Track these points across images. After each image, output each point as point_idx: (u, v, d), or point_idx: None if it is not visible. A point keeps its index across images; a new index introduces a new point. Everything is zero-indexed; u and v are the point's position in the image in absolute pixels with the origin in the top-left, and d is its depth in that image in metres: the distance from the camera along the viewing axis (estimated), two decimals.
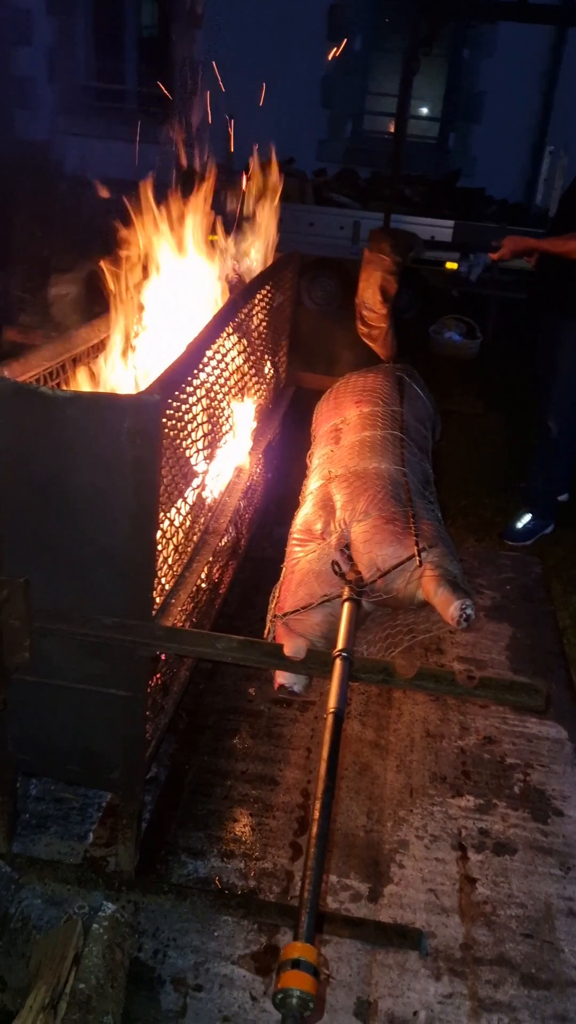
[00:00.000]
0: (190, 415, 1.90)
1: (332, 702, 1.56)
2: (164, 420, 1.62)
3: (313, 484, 2.43)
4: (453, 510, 4.06)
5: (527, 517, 3.84)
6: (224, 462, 2.41)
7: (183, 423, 1.85)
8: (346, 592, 1.96)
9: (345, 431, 2.60)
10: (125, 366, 2.28)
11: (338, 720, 1.50)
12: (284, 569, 2.18)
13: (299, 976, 1.04)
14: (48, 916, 1.94)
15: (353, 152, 10.69)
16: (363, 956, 1.92)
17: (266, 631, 2.04)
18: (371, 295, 3.25)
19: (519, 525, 3.85)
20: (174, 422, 1.77)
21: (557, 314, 3.55)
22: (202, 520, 2.20)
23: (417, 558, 1.91)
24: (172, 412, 1.73)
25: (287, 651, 1.70)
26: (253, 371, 2.70)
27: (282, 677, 1.88)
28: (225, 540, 2.34)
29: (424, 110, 11.26)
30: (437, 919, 2.02)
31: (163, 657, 1.98)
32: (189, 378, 1.86)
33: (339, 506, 2.18)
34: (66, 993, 1.65)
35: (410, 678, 1.66)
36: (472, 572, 3.57)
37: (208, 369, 2.06)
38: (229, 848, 2.17)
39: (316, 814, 1.29)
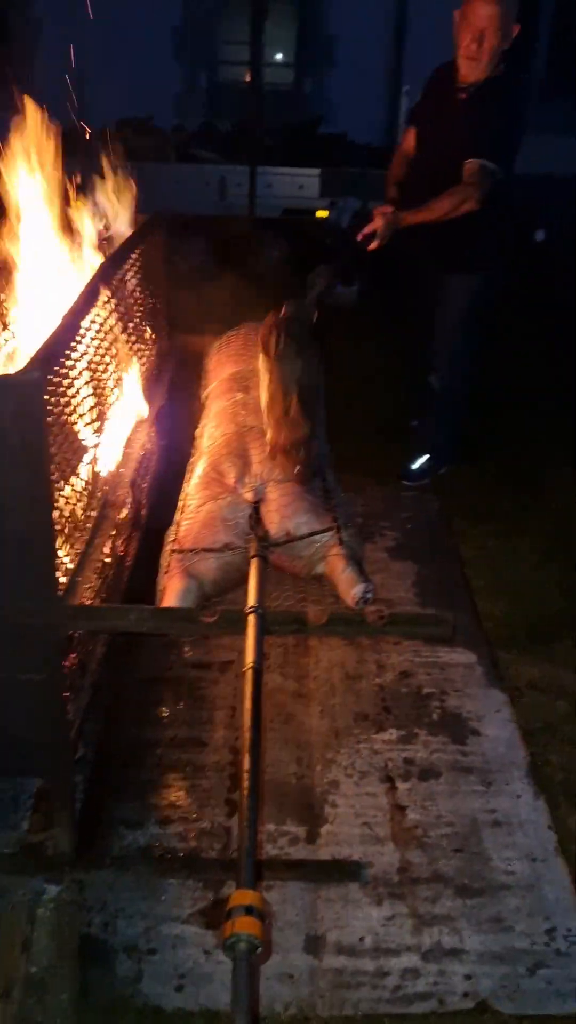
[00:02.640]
0: (74, 389, 1.87)
1: (249, 658, 1.59)
2: (47, 397, 1.59)
3: (222, 428, 2.42)
4: (351, 456, 4.12)
5: (423, 458, 3.93)
6: (115, 433, 2.37)
7: (68, 398, 1.82)
8: (254, 548, 1.99)
9: (255, 382, 2.60)
10: None
11: (257, 675, 1.53)
12: (183, 504, 2.19)
13: (244, 921, 1.07)
14: None
15: (211, 104, 10.49)
16: (307, 895, 1.99)
17: (163, 565, 2.03)
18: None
19: (415, 466, 3.94)
20: (58, 398, 1.73)
21: (440, 269, 3.59)
22: (99, 494, 2.17)
23: (337, 535, 1.96)
24: (55, 388, 1.69)
25: (175, 591, 1.73)
26: (134, 337, 2.66)
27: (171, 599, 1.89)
28: (125, 512, 2.32)
29: (279, 56, 11.12)
30: (373, 849, 2.11)
31: (76, 636, 1.96)
32: (68, 351, 1.81)
33: (255, 460, 2.20)
34: (19, 980, 1.66)
35: (322, 624, 1.71)
36: (375, 515, 3.65)
37: (88, 339, 2.02)
38: (165, 814, 2.19)
39: (245, 766, 1.33)
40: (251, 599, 1.75)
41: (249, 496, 2.14)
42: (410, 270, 3.79)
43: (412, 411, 4.13)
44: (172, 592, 1.93)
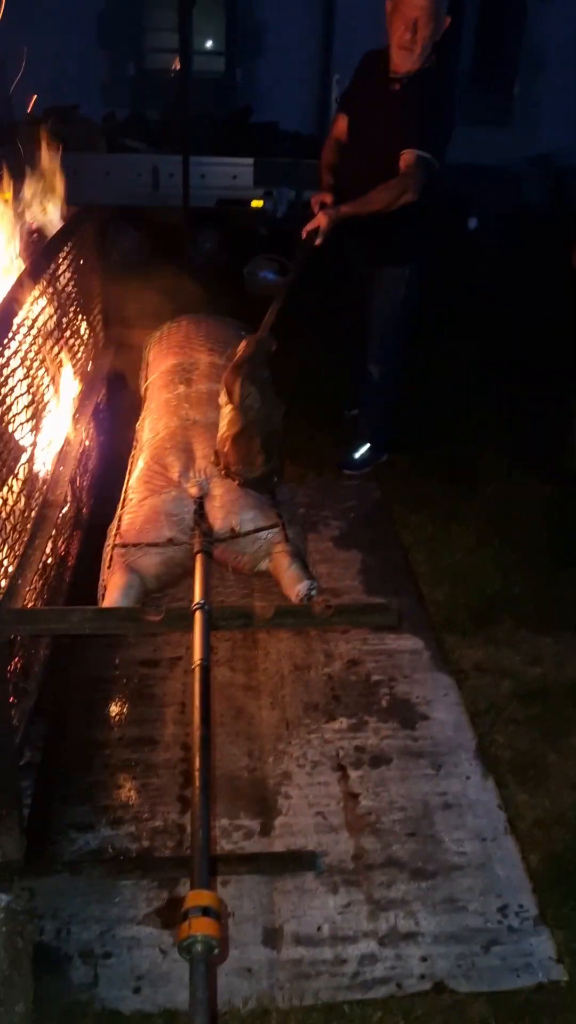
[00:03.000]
0: (6, 388, 1.82)
1: (197, 655, 1.58)
2: None
3: (164, 421, 2.38)
4: (289, 449, 4.12)
5: (364, 447, 3.95)
6: (51, 431, 2.32)
7: None
8: (198, 544, 1.98)
9: (197, 376, 2.57)
10: None
11: (205, 672, 1.52)
12: (125, 498, 2.16)
13: (200, 922, 1.06)
14: None
15: (139, 94, 10.31)
16: (263, 888, 1.99)
17: (105, 560, 2.01)
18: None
19: (356, 455, 3.96)
20: None
21: (370, 263, 3.60)
22: (37, 495, 2.13)
23: (282, 532, 1.95)
24: None
25: (117, 587, 1.71)
26: (68, 334, 2.60)
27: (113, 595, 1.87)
28: (65, 511, 2.28)
29: (209, 43, 10.99)
30: (327, 838, 2.12)
31: (17, 639, 1.92)
32: None
33: (199, 455, 2.18)
34: None
35: (269, 618, 1.71)
36: (317, 504, 3.67)
37: (20, 337, 1.97)
38: (117, 815, 2.17)
39: (196, 764, 1.32)
40: (197, 595, 1.73)
41: (194, 491, 2.12)
42: (340, 262, 3.80)
43: (349, 401, 4.15)
44: (114, 588, 1.91)
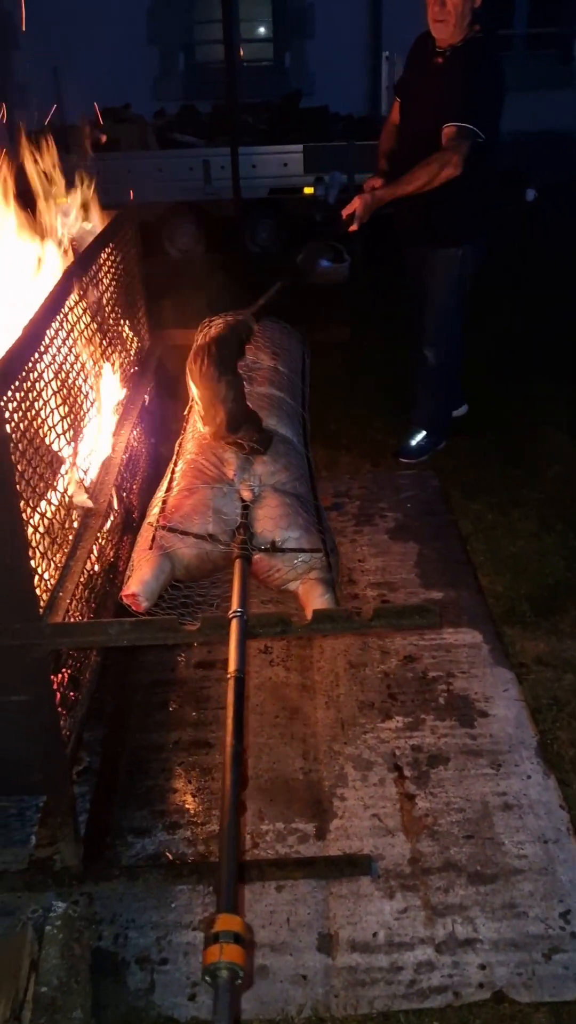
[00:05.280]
0: (41, 401, 1.83)
1: (232, 665, 1.55)
2: (7, 414, 1.55)
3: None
4: (345, 439, 4.08)
5: (421, 434, 3.88)
6: (94, 439, 2.33)
7: (34, 411, 1.78)
8: (237, 548, 1.95)
9: (259, 377, 2.55)
10: None
11: (239, 683, 1.50)
12: (172, 481, 2.14)
13: (231, 948, 1.05)
14: (1, 928, 1.92)
15: (190, 87, 10.33)
16: (319, 893, 1.97)
17: (146, 539, 1.98)
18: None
19: (413, 443, 3.89)
20: (22, 413, 1.69)
21: (423, 244, 3.53)
22: (86, 497, 2.13)
23: (325, 559, 1.92)
24: (16, 404, 1.65)
25: (150, 569, 1.70)
26: (109, 339, 2.61)
27: (135, 586, 1.85)
28: (111, 519, 2.29)
29: (261, 29, 10.93)
30: (383, 841, 2.09)
31: (64, 651, 1.94)
32: (31, 363, 1.77)
33: (256, 459, 2.16)
34: (28, 1001, 1.65)
35: (307, 624, 1.67)
36: (373, 497, 3.61)
37: (54, 349, 1.97)
38: (173, 819, 2.18)
39: (227, 780, 1.30)
40: (234, 603, 1.71)
41: (246, 494, 2.09)
42: (396, 245, 3.74)
43: (407, 388, 4.07)
44: (147, 567, 1.88)
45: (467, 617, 2.83)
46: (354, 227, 3.30)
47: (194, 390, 2.33)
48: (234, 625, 1.65)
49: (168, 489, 2.17)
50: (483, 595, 2.95)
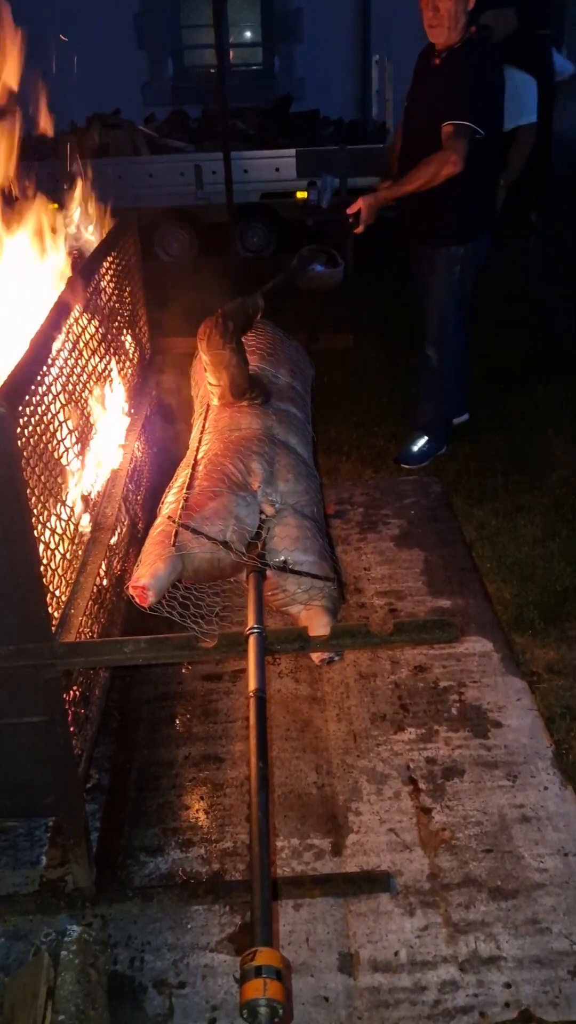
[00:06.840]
0: (49, 416, 1.79)
1: (252, 682, 1.52)
2: (18, 430, 1.52)
3: (248, 420, 2.30)
4: (346, 446, 4.05)
5: (422, 440, 3.85)
6: (100, 453, 2.30)
7: (42, 427, 1.74)
8: (252, 561, 1.92)
9: (278, 393, 2.52)
10: None
11: (261, 702, 1.46)
12: (202, 474, 2.08)
13: (274, 986, 1.01)
14: (15, 952, 1.88)
15: (179, 92, 10.29)
16: (337, 911, 1.94)
17: (167, 536, 1.93)
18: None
19: (415, 448, 3.86)
20: (30, 429, 1.66)
21: (427, 244, 3.52)
22: (88, 520, 2.10)
23: (335, 590, 1.89)
24: (25, 419, 1.61)
25: (162, 566, 1.71)
26: (112, 350, 2.58)
27: (147, 579, 1.80)
28: (118, 534, 2.25)
29: (248, 34, 10.91)
30: (401, 856, 2.06)
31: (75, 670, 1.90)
32: (38, 378, 1.74)
33: (279, 476, 2.11)
34: None
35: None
36: (376, 504, 3.59)
37: (60, 362, 1.94)
38: (186, 837, 2.14)
39: (254, 804, 1.26)
40: (250, 619, 1.68)
41: (269, 509, 2.05)
42: (392, 249, 3.74)
43: (406, 393, 4.05)
44: (160, 563, 1.82)
45: (476, 625, 2.80)
46: (359, 229, 3.32)
47: (205, 359, 2.34)
48: (252, 642, 1.62)
49: (189, 487, 2.10)
50: (491, 602, 2.92)
